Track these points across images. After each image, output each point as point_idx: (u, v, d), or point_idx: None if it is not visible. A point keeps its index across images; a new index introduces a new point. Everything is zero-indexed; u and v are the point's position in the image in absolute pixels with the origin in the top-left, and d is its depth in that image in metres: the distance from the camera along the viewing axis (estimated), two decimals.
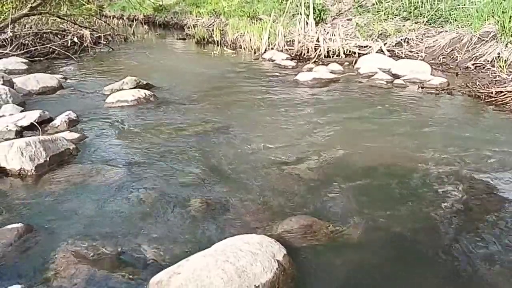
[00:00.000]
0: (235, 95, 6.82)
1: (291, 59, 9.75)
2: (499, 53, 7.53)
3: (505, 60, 7.15)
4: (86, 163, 4.15)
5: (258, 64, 9.74)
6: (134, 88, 6.84)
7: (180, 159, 4.24)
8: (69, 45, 11.57)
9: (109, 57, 11.12)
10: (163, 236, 2.93)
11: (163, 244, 2.82)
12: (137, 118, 5.55)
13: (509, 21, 7.46)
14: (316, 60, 9.58)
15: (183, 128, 5.15)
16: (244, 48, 11.70)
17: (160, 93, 6.87)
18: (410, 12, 10.19)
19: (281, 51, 10.42)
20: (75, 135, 4.76)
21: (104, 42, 12.69)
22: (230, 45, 12.51)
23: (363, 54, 9.34)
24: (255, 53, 11.04)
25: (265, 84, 7.56)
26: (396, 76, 7.65)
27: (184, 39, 15.18)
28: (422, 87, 6.93)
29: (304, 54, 10.09)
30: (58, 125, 5.11)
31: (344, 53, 9.76)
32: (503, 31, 7.60)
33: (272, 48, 10.70)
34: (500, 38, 7.69)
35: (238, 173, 3.91)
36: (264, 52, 10.67)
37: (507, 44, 7.55)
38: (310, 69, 8.48)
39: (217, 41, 13.20)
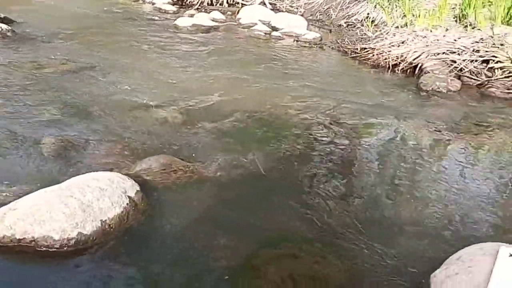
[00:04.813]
0: (107, 36, 6.38)
1: (173, 4, 9.33)
2: (368, 13, 8.04)
3: (372, 20, 7.66)
4: None
5: (137, 6, 9.17)
6: None
7: (37, 97, 3.92)
8: None
9: None
10: (7, 175, 2.70)
11: (4, 183, 2.60)
12: None
13: None
14: (199, 7, 9.32)
15: (43, 66, 4.72)
16: None
17: (21, 28, 6.17)
18: None
19: None
20: None
21: None
22: None
23: (246, 5, 9.32)
24: None
25: (142, 27, 7.17)
26: (274, 29, 7.78)
27: None
28: (297, 41, 7.17)
29: (187, 0, 9.75)
30: None
31: (227, 2, 9.62)
32: None
33: None
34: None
35: (101, 114, 3.73)
36: None
37: (376, 5, 8.08)
38: (191, 15, 8.23)
39: None
